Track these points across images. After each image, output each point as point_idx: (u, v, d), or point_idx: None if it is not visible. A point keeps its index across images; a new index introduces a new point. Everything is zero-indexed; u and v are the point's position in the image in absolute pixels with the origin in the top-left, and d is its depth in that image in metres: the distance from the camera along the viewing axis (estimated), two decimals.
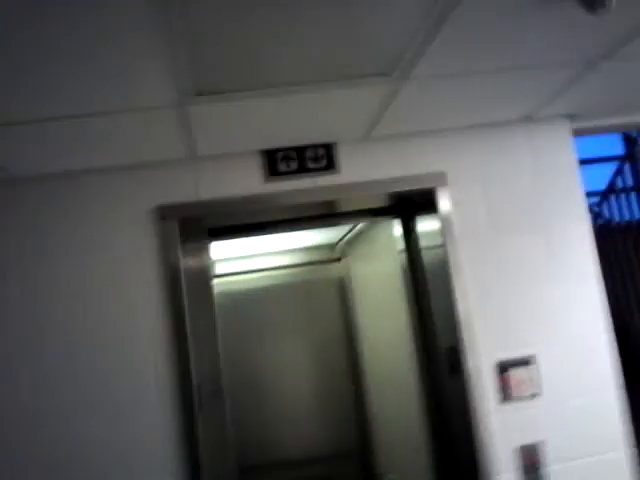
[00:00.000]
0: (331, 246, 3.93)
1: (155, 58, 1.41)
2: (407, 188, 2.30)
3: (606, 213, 5.63)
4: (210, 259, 2.26)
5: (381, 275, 3.09)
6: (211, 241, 2.28)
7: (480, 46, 1.63)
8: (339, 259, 3.93)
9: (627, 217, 5.63)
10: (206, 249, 2.24)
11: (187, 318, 2.09)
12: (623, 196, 5.62)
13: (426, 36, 1.51)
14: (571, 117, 2.41)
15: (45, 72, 1.42)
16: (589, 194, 5.98)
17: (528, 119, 2.33)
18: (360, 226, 3.25)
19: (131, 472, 2.06)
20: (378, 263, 3.13)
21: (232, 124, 1.90)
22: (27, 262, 2.12)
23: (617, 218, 5.61)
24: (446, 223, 2.25)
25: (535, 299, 2.26)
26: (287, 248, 3.88)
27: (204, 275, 2.23)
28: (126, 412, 2.08)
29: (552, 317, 2.26)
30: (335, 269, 3.95)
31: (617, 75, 2.02)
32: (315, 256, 3.97)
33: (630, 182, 5.61)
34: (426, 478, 2.63)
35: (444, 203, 2.27)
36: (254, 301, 3.84)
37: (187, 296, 2.10)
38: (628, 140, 5.92)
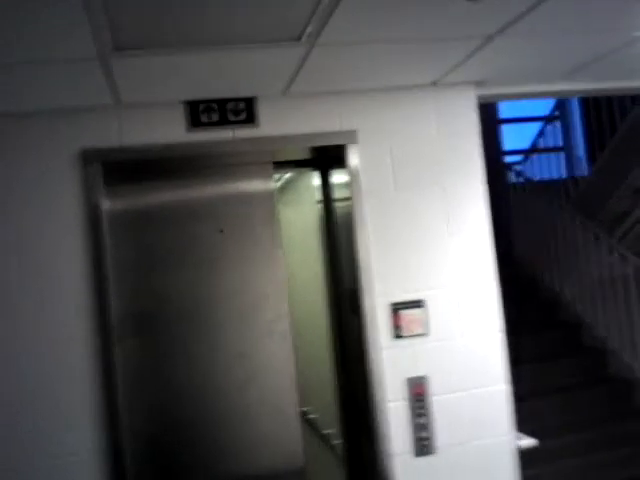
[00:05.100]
0: None
1: (71, 11, 1.51)
2: (322, 143, 2.49)
3: (527, 171, 5.99)
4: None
5: (304, 222, 3.29)
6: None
7: (380, 17, 1.80)
8: None
9: (546, 176, 6.02)
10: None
11: (107, 255, 2.26)
12: (544, 156, 5.99)
13: (329, 5, 1.67)
14: (477, 84, 2.62)
15: None
16: (516, 152, 6.32)
17: (435, 84, 2.53)
18: (288, 175, 3.42)
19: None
20: (301, 211, 3.32)
21: (154, 76, 2.03)
22: None
23: (537, 177, 5.99)
24: (354, 178, 2.47)
25: (429, 249, 2.52)
26: None
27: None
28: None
29: (443, 266, 2.53)
30: None
31: (513, 48, 2.22)
32: None
33: (551, 142, 5.97)
34: (333, 409, 2.92)
35: (353, 159, 2.47)
36: None
37: (108, 236, 2.26)
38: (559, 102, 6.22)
